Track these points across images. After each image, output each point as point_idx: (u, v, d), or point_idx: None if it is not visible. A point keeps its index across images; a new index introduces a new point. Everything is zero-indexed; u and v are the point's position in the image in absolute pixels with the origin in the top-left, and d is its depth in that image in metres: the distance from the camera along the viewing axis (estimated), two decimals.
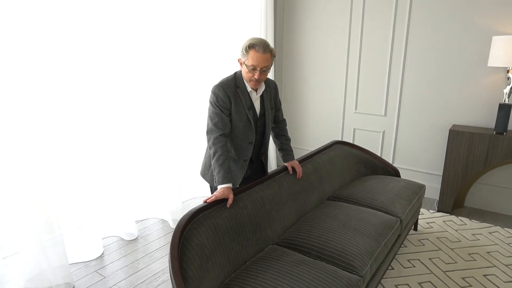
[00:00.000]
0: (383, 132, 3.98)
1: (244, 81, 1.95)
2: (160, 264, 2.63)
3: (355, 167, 3.09)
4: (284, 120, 2.32)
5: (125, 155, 2.96)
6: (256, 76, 1.85)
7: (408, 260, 2.66)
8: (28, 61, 2.28)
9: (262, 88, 2.00)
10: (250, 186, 2.04)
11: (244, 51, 1.85)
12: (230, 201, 1.82)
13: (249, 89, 1.96)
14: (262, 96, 2.04)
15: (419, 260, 2.67)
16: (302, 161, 2.56)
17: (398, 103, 3.80)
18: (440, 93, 3.54)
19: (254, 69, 1.84)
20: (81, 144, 2.69)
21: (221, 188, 1.83)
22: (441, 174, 3.67)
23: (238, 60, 1.93)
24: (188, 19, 3.31)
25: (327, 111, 4.33)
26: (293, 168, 2.35)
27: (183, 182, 3.48)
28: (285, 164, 2.34)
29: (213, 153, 1.88)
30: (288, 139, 2.32)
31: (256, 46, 1.80)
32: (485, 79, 3.29)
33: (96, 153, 2.76)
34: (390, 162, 3.98)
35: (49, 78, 2.44)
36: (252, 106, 1.98)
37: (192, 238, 1.59)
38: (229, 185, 1.85)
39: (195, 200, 3.69)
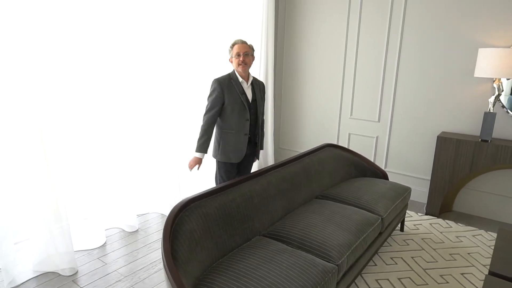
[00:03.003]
0: (377, 138, 4.15)
1: (237, 74, 2.57)
2: (158, 253, 2.82)
3: (345, 169, 3.26)
4: (263, 120, 2.86)
5: (128, 153, 3.17)
6: (241, 59, 2.50)
7: (391, 258, 2.82)
8: (41, 63, 2.50)
9: (251, 78, 2.64)
10: (240, 181, 2.23)
11: (230, 49, 2.58)
12: (193, 165, 2.59)
13: (240, 79, 2.56)
14: (253, 87, 2.64)
15: (401, 258, 2.82)
16: (292, 161, 2.74)
17: (391, 110, 3.97)
18: (431, 101, 3.71)
19: (238, 55, 2.51)
20: (88, 143, 2.91)
21: (194, 156, 2.59)
22: (430, 179, 3.82)
23: (229, 60, 2.61)
24: (191, 22, 3.52)
25: (323, 116, 4.51)
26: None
27: (183, 179, 3.68)
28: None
29: (202, 126, 2.57)
30: (263, 131, 2.84)
31: (236, 41, 2.56)
32: (472, 89, 3.45)
33: (101, 151, 2.98)
34: (383, 166, 4.14)
35: (61, 79, 2.67)
36: (244, 92, 2.58)
37: (183, 224, 1.78)
38: (200, 154, 2.58)
39: None
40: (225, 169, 2.67)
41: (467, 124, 3.54)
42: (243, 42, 2.54)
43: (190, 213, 1.85)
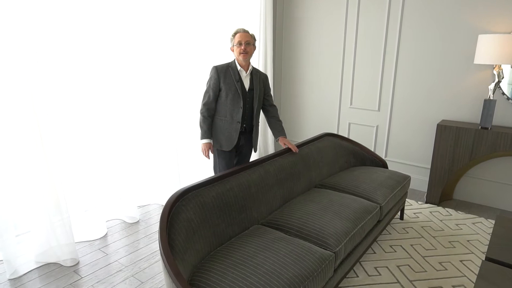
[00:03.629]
0: (377, 127, 4.13)
1: (236, 63, 2.57)
2: (158, 244, 2.84)
3: (344, 158, 3.26)
4: (275, 106, 2.82)
5: (129, 145, 3.17)
6: (243, 47, 2.49)
7: (390, 246, 2.83)
8: (41, 60, 2.51)
9: (250, 68, 2.62)
10: (237, 171, 2.23)
11: (231, 37, 2.57)
12: (207, 151, 2.60)
13: (239, 67, 2.57)
14: (252, 77, 2.63)
15: (401, 246, 2.83)
16: (290, 150, 2.74)
17: (391, 99, 3.95)
18: (430, 90, 3.68)
19: (240, 43, 2.50)
20: (87, 135, 2.92)
21: (202, 144, 2.61)
22: (430, 167, 3.81)
23: (231, 48, 2.59)
24: (189, 16, 3.51)
25: (323, 106, 4.49)
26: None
27: (182, 171, 3.69)
28: (278, 141, 2.74)
29: (200, 116, 2.60)
30: (280, 120, 2.79)
31: (238, 30, 2.55)
32: (472, 76, 3.42)
33: (101, 143, 2.99)
34: (383, 155, 4.13)
35: (59, 74, 2.67)
36: (240, 80, 2.57)
37: (180, 213, 1.79)
38: (207, 140, 2.60)
39: None
40: (223, 156, 2.68)
41: (467, 111, 3.52)
42: (245, 31, 2.54)
43: (187, 203, 1.86)
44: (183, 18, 3.45)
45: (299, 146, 2.87)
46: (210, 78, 2.57)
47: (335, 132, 4.46)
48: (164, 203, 3.52)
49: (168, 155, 3.44)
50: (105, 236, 2.96)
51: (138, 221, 3.21)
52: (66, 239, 2.59)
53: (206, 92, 2.60)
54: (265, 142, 4.69)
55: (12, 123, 2.31)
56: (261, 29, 4.19)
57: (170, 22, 3.26)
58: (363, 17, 3.95)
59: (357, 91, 4.18)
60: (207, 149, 2.61)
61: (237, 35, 2.52)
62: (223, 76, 2.54)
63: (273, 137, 4.67)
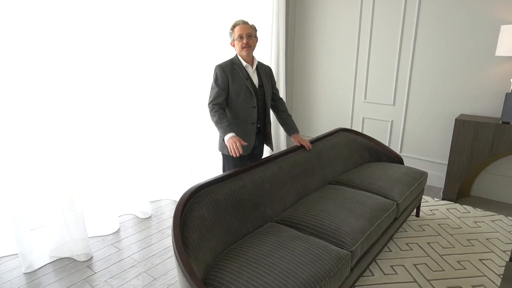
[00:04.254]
0: (392, 122, 4.03)
1: (240, 59, 2.36)
2: (170, 240, 2.83)
3: (358, 154, 3.19)
4: (282, 99, 2.67)
5: (141, 141, 3.16)
6: (245, 41, 2.27)
7: (407, 244, 2.76)
8: (54, 59, 2.49)
9: (256, 62, 2.42)
10: (250, 167, 2.19)
11: (230, 31, 2.34)
12: (239, 143, 2.12)
13: (244, 64, 2.35)
14: (258, 72, 2.44)
15: (417, 244, 2.76)
16: (304, 146, 2.68)
17: (406, 92, 3.85)
18: (448, 83, 3.57)
19: (241, 37, 2.28)
20: (100, 130, 2.91)
21: (228, 139, 2.17)
22: (447, 163, 3.71)
23: (231, 43, 2.38)
24: (197, 13, 3.45)
25: (337, 100, 4.41)
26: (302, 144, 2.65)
27: (194, 166, 3.67)
28: (291, 138, 2.61)
29: (212, 118, 2.28)
30: (290, 115, 2.64)
31: (237, 22, 2.31)
32: (493, 69, 3.30)
33: (113, 139, 2.98)
34: (398, 151, 4.04)
35: (72, 71, 2.66)
36: (249, 77, 2.36)
37: (193, 210, 1.76)
38: (232, 133, 2.19)
39: None
40: (234, 164, 2.41)
41: (487, 106, 3.40)
42: (245, 23, 2.30)
43: (200, 200, 1.82)
44: (191, 14, 3.39)
45: (313, 141, 2.81)
46: (217, 78, 2.30)
47: (349, 127, 4.38)
48: (176, 198, 3.50)
49: (180, 150, 3.42)
50: (118, 231, 2.96)
51: (150, 216, 3.21)
52: (79, 234, 2.60)
53: (216, 94, 2.29)
54: (277, 138, 4.63)
55: (26, 120, 2.31)
56: (273, 24, 4.11)
57: (182, 20, 3.21)
58: (378, 8, 3.84)
59: (372, 85, 4.09)
60: (237, 141, 2.12)
61: (237, 28, 2.29)
62: (231, 75, 2.30)
63: (284, 132, 4.61)
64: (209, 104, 2.31)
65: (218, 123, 2.23)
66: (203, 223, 1.77)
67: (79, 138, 2.81)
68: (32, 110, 2.30)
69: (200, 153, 3.79)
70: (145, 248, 2.72)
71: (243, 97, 2.32)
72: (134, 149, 3.08)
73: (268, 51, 4.20)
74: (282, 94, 4.43)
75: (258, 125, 2.44)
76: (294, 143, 2.76)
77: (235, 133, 2.24)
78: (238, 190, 2.03)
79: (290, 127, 2.60)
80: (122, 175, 3.09)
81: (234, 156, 2.12)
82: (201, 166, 3.82)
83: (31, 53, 2.22)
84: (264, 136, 2.55)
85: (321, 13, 4.26)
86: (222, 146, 2.40)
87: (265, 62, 4.19)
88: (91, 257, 2.61)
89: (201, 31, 3.51)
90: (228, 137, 2.17)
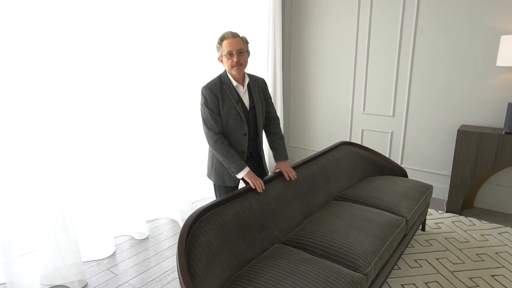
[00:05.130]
0: (392, 133, 3.98)
1: (229, 76, 2.07)
2: (170, 262, 2.69)
3: (361, 168, 3.11)
4: (277, 117, 2.35)
5: (136, 158, 3.04)
6: (235, 59, 1.97)
7: (415, 260, 2.67)
8: (45, 69, 2.37)
9: (247, 80, 2.12)
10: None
11: (218, 46, 2.03)
12: (261, 184, 2.02)
13: (234, 83, 2.07)
14: (250, 90, 2.14)
15: (426, 260, 2.67)
16: (308, 162, 2.60)
17: (406, 103, 3.81)
18: (449, 93, 3.53)
19: (231, 54, 1.98)
20: (94, 148, 2.78)
21: (245, 174, 2.04)
22: (450, 174, 3.66)
23: (218, 59, 2.09)
24: (194, 19, 3.38)
25: (335, 112, 4.35)
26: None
27: (192, 183, 3.55)
28: (276, 164, 2.31)
29: (216, 151, 2.05)
30: (281, 138, 2.33)
31: (225, 35, 2.00)
32: (494, 79, 3.28)
33: (108, 156, 2.85)
34: (399, 163, 3.98)
35: (65, 84, 2.54)
36: (240, 100, 2.08)
37: (199, 235, 1.65)
38: (248, 168, 2.05)
39: (204, 200, 3.76)
40: (225, 192, 2.19)
41: (489, 116, 3.37)
42: (235, 36, 2.00)
43: (205, 224, 1.71)
44: (188, 21, 3.32)
45: (316, 156, 2.72)
46: (206, 101, 2.03)
47: (348, 139, 4.31)
48: (173, 217, 3.37)
49: (177, 166, 3.30)
50: (114, 254, 2.81)
51: (147, 237, 3.07)
52: (72, 258, 2.45)
53: (207, 116, 2.04)
54: None
55: (16, 135, 2.17)
56: (269, 32, 4.06)
57: (180, 25, 3.13)
58: (376, 19, 3.82)
59: (370, 96, 4.04)
60: (255, 177, 2.02)
61: (225, 42, 1.97)
62: (221, 98, 2.02)
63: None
64: (209, 133, 2.04)
65: (227, 157, 2.02)
66: (210, 248, 1.65)
67: (71, 154, 2.66)
68: (21, 123, 2.16)
69: (198, 169, 3.68)
70: (143, 273, 2.58)
71: (232, 123, 2.06)
72: (129, 166, 2.96)
73: (265, 63, 4.13)
74: (279, 106, 4.35)
75: (250, 150, 2.20)
76: (294, 155, 2.44)
77: (212, 172, 2.15)
78: (245, 211, 1.93)
79: (278, 152, 2.29)
80: (117, 193, 2.96)
81: (259, 191, 2.03)
82: (199, 183, 3.70)
83: (17, 59, 2.10)
84: (258, 160, 2.29)
85: (318, 23, 4.23)
86: (209, 173, 2.22)
87: (262, 74, 4.11)
88: (86, 284, 2.46)
89: (200, 43, 3.43)
90: (244, 173, 2.04)
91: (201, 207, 1.76)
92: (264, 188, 2.05)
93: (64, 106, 2.57)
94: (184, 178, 3.32)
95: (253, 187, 2.03)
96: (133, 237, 3.05)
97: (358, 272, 1.82)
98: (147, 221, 3.32)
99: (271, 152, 4.29)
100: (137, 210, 3.01)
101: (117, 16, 2.69)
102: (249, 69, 3.85)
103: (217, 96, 2.03)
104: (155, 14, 2.96)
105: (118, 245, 2.94)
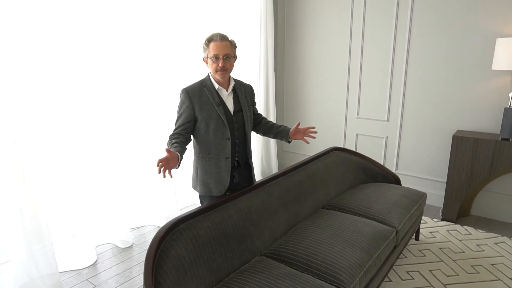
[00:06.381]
0: (386, 138, 3.88)
1: (212, 80, 1.99)
2: None
3: (353, 175, 3.01)
4: (260, 114, 2.34)
5: (121, 162, 2.94)
6: (220, 64, 1.89)
7: (407, 272, 2.56)
8: (22, 68, 2.28)
9: (232, 83, 2.04)
10: (236, 196, 1.99)
11: (205, 46, 1.94)
12: (164, 166, 1.63)
13: (216, 86, 1.98)
14: (236, 94, 2.06)
15: (418, 272, 2.56)
16: (295, 168, 2.50)
17: (401, 108, 3.70)
18: (444, 98, 3.43)
19: (217, 58, 1.90)
20: (75, 152, 2.68)
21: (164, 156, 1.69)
22: (445, 181, 3.55)
23: (203, 59, 1.99)
24: (187, 21, 3.30)
25: (329, 116, 4.25)
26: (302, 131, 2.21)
27: (179, 189, 3.45)
28: (293, 137, 2.20)
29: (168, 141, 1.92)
30: (272, 121, 2.33)
31: (214, 37, 1.92)
32: (490, 83, 3.17)
33: (90, 161, 2.76)
34: (394, 168, 3.88)
35: (39, 82, 2.44)
36: (221, 103, 1.99)
37: (169, 250, 1.55)
38: (173, 151, 1.74)
39: (192, 207, 3.66)
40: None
41: (485, 121, 3.26)
42: (223, 39, 1.91)
43: (177, 237, 1.61)
44: (182, 23, 3.24)
45: (305, 163, 2.62)
46: (181, 104, 1.97)
47: (342, 144, 4.21)
48: (160, 224, 3.27)
49: None
50: (95, 263, 2.71)
51: (132, 245, 2.97)
52: (48, 269, 2.35)
53: (177, 122, 1.97)
54: (268, 158, 4.43)
55: None
56: (261, 36, 3.97)
57: (174, 26, 3.05)
58: (369, 21, 3.73)
59: (364, 100, 3.94)
60: (165, 160, 1.65)
61: (212, 44, 1.89)
62: (198, 101, 1.93)
63: (275, 152, 4.41)
64: (173, 129, 1.99)
65: (168, 144, 1.87)
66: (181, 264, 1.55)
67: (47, 158, 2.54)
68: None
69: (186, 174, 3.58)
70: (124, 283, 2.48)
71: (213, 128, 1.95)
72: (113, 171, 2.86)
73: (257, 67, 4.04)
74: (271, 110, 4.26)
75: (236, 158, 2.07)
76: (287, 160, 2.34)
77: (180, 156, 1.79)
78: (223, 221, 1.82)
79: (283, 128, 2.22)
80: (100, 199, 2.86)
81: (158, 172, 1.62)
82: (186, 189, 3.60)
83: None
84: (247, 170, 2.16)
85: (310, 27, 4.14)
86: (194, 184, 2.11)
87: (254, 79, 4.03)
88: None
89: (186, 52, 3.34)
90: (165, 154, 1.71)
91: (173, 219, 1.66)
92: (167, 172, 1.65)
93: (40, 106, 2.46)
94: (170, 184, 3.22)
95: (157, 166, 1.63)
96: (117, 246, 2.95)
97: None
98: (132, 228, 3.22)
99: (261, 162, 4.25)
100: (121, 217, 2.92)
101: (109, 16, 2.61)
102: (240, 74, 3.78)
103: (193, 101, 1.95)
104: (148, 16, 2.88)
105: (100, 254, 2.84)
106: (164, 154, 1.82)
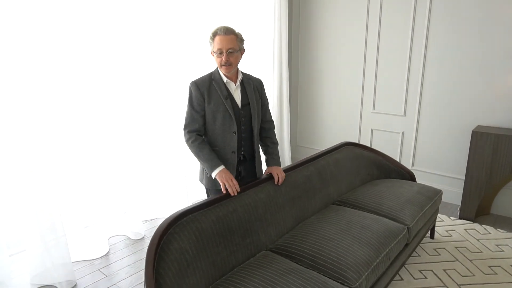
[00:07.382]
0: (403, 133, 3.77)
1: (220, 73, 1.98)
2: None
3: (366, 170, 2.94)
4: (272, 121, 2.24)
5: (133, 155, 2.98)
6: (224, 58, 1.88)
7: (420, 271, 2.49)
8: (37, 68, 2.32)
9: (239, 77, 2.03)
10: (242, 190, 1.97)
11: (210, 40, 1.94)
12: (234, 186, 1.86)
13: (225, 79, 1.98)
14: (244, 87, 2.04)
15: (432, 271, 2.49)
16: (304, 163, 2.46)
17: (418, 102, 3.59)
18: (463, 92, 3.30)
19: (221, 52, 1.89)
20: (87, 144, 2.74)
21: (217, 174, 1.89)
22: (464, 178, 3.42)
23: (211, 53, 1.98)
24: (196, 17, 3.29)
25: (343, 111, 4.17)
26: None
27: (190, 183, 3.47)
28: (267, 168, 2.18)
29: (190, 149, 1.97)
30: (275, 143, 2.22)
31: (218, 30, 1.90)
32: None
33: (103, 153, 2.81)
34: (410, 165, 3.77)
35: (60, 83, 2.51)
36: (229, 96, 1.98)
37: (172, 242, 1.55)
38: (222, 166, 1.91)
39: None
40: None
41: (506, 116, 3.11)
42: (228, 33, 1.88)
43: (181, 230, 1.61)
44: (190, 19, 3.23)
45: (315, 158, 2.57)
46: (191, 98, 1.96)
47: (357, 139, 4.13)
48: None
49: (175, 164, 3.23)
50: (107, 254, 2.77)
51: (143, 237, 3.01)
52: (61, 259, 2.41)
53: (190, 118, 1.96)
54: (282, 153, 4.37)
55: (3, 131, 2.15)
56: (275, 29, 3.92)
57: (182, 21, 3.05)
58: (386, 14, 3.61)
59: (380, 94, 3.84)
60: (229, 177, 1.87)
61: (217, 38, 1.88)
62: (207, 94, 1.93)
63: (289, 147, 4.37)
64: (184, 131, 1.98)
65: (199, 155, 1.93)
66: (183, 256, 1.55)
67: (64, 153, 2.62)
68: (9, 118, 2.13)
69: (197, 168, 3.59)
70: (134, 274, 2.52)
71: (220, 121, 1.95)
72: (126, 164, 2.91)
73: (271, 61, 4.00)
74: (285, 104, 4.21)
75: (242, 152, 2.05)
76: (301, 155, 2.25)
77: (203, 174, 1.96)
78: (227, 215, 1.82)
79: (271, 157, 2.17)
80: (113, 192, 2.91)
81: (232, 194, 1.86)
82: (198, 183, 3.62)
83: (7, 60, 2.07)
84: (253, 164, 2.14)
85: (326, 20, 4.06)
86: (201, 177, 2.10)
87: (267, 72, 3.99)
88: (75, 284, 2.42)
89: (194, 44, 3.33)
90: (216, 172, 1.89)
91: (177, 211, 1.67)
92: (238, 191, 1.88)
93: (58, 104, 2.53)
94: (181, 178, 3.25)
95: (224, 191, 1.87)
96: (129, 237, 3.00)
97: (346, 286, 1.67)
98: (144, 221, 3.27)
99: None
100: (133, 209, 2.96)
101: (112, 12, 2.63)
102: (254, 69, 3.75)
103: (203, 93, 1.94)
104: (155, 9, 2.89)
105: (113, 245, 2.89)
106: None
